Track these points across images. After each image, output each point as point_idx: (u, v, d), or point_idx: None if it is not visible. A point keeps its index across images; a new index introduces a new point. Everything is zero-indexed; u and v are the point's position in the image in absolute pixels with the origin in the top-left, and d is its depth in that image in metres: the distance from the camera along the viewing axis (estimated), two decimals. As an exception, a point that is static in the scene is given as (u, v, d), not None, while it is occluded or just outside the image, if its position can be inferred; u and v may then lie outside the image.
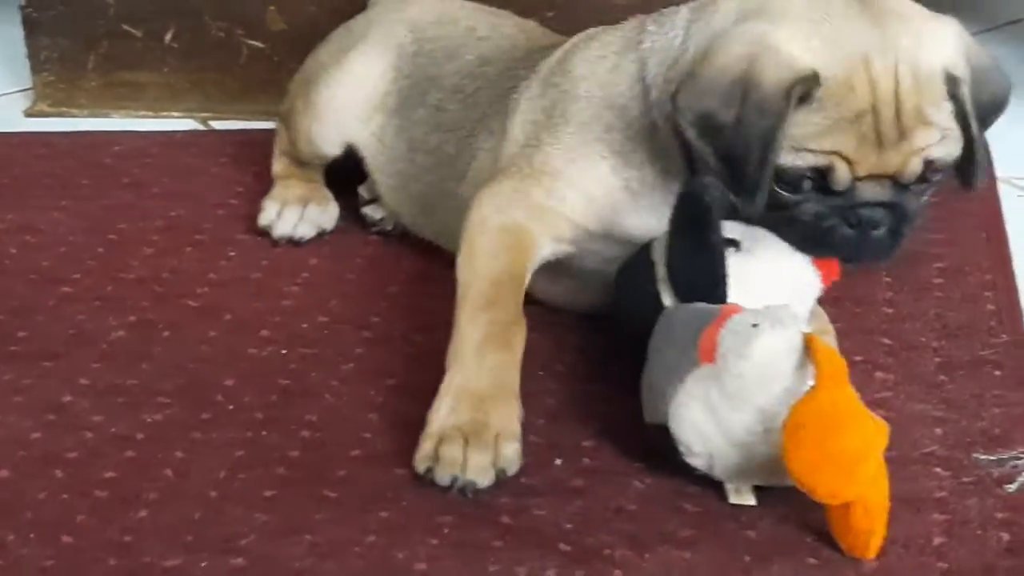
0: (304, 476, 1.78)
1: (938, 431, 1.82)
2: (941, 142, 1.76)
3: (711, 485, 1.72)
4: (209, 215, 2.41)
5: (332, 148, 2.34)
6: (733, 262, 1.74)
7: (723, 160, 1.73)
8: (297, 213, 2.33)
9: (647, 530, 1.67)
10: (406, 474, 1.76)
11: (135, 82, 2.85)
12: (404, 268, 2.20)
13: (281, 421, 1.88)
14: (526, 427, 1.77)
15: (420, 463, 1.73)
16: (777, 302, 1.70)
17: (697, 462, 1.68)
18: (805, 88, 1.70)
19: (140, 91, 2.85)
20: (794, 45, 1.72)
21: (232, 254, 2.30)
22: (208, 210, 2.43)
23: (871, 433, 1.59)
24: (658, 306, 1.77)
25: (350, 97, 2.31)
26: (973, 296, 2.08)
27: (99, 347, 2.06)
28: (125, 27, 2.83)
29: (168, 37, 2.83)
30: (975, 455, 1.77)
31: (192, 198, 2.47)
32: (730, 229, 1.77)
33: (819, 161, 1.73)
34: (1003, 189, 2.37)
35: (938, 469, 1.75)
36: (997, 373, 1.91)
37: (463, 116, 2.16)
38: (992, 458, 1.76)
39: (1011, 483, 1.72)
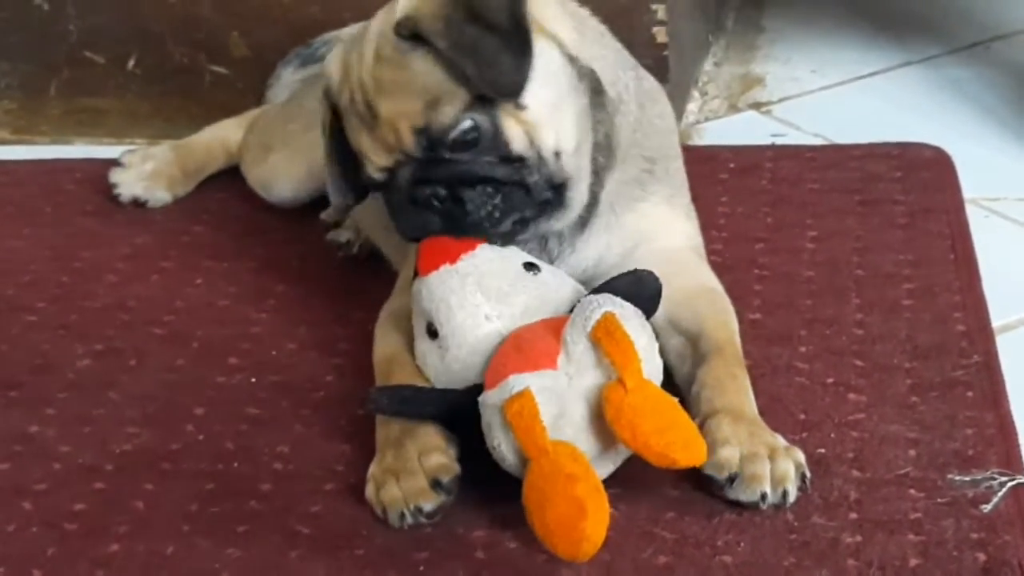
0: (276, 510, 1.77)
1: (911, 452, 1.81)
2: (429, 106, 1.78)
3: (687, 511, 1.72)
4: (174, 242, 2.40)
5: (287, 191, 2.41)
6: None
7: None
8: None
9: (622, 558, 1.66)
10: (379, 510, 1.75)
11: (97, 108, 2.84)
12: (371, 293, 2.17)
13: (252, 451, 1.87)
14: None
15: (375, 508, 1.74)
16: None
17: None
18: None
19: (102, 117, 2.83)
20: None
21: (198, 281, 2.28)
22: (173, 237, 2.41)
23: (582, 495, 1.60)
24: None
25: None
26: (943, 317, 2.08)
27: (65, 376, 2.05)
28: (87, 53, 2.82)
29: (131, 63, 2.82)
30: (949, 476, 1.77)
31: (156, 225, 2.45)
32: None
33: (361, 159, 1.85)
34: (971, 210, 2.38)
35: (912, 490, 1.75)
36: (969, 394, 1.91)
37: None
38: (966, 479, 1.76)
39: (986, 503, 1.72)
